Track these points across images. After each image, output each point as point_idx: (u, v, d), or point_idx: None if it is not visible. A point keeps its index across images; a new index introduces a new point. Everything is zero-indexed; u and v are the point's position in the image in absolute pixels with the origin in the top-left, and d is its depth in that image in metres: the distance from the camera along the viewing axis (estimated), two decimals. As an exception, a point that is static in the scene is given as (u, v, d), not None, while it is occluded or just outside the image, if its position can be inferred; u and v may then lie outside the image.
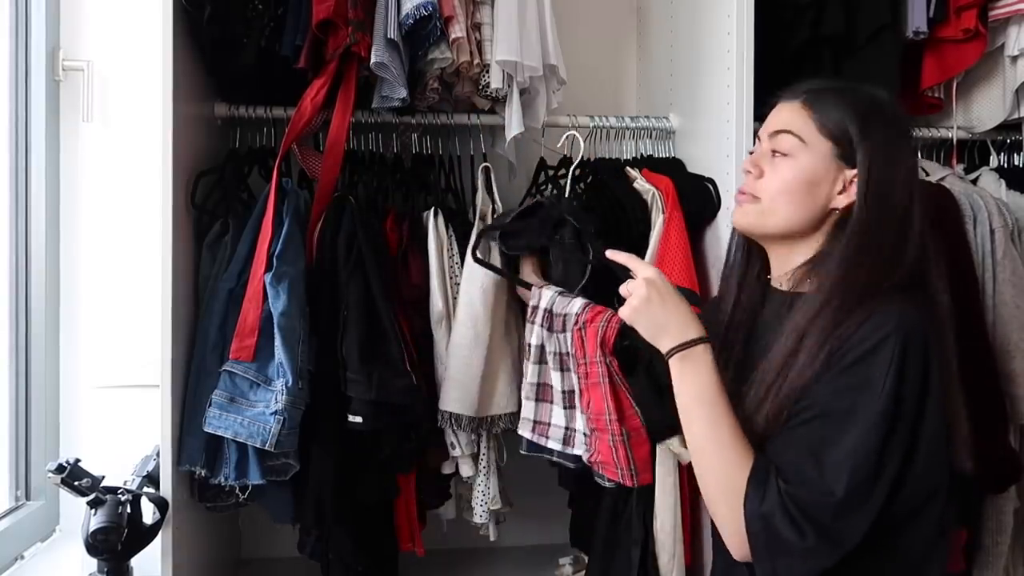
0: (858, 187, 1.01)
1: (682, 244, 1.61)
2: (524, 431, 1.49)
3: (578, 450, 1.41)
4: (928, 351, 0.94)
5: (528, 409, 1.49)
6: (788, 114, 1.07)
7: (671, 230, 1.62)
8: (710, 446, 0.98)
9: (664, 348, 1.02)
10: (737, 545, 0.95)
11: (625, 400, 1.34)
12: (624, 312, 1.05)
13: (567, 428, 1.43)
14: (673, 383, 1.02)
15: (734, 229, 1.15)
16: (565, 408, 1.43)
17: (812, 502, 0.91)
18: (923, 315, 0.96)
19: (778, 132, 1.06)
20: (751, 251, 1.14)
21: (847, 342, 0.94)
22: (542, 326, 1.44)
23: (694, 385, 1.00)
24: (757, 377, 1.02)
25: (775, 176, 1.05)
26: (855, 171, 1.02)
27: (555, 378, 1.44)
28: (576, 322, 1.38)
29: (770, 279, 1.12)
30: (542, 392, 1.48)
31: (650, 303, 1.03)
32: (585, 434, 1.39)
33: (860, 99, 1.04)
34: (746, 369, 1.07)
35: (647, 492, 1.53)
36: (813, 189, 1.03)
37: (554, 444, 1.45)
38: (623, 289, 1.07)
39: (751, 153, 1.12)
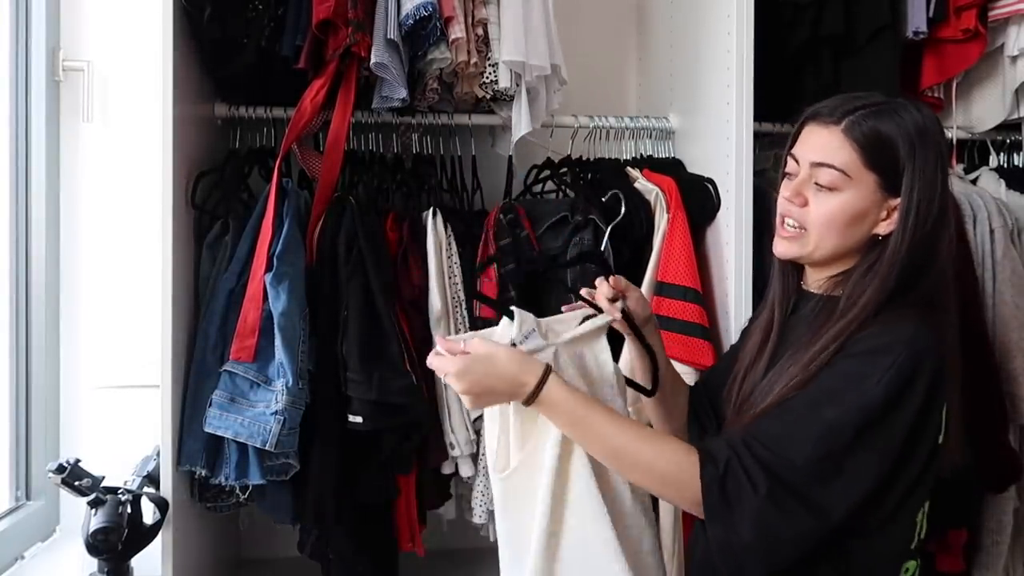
0: (900, 216, 1.00)
1: (686, 244, 1.61)
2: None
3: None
4: (940, 377, 0.94)
5: None
6: (830, 144, 1.01)
7: (675, 230, 1.62)
8: (620, 448, 0.97)
9: (522, 403, 0.99)
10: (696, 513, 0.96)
11: None
12: (468, 405, 1.01)
13: None
14: (549, 418, 1.00)
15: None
16: None
17: (769, 460, 0.91)
18: (938, 336, 0.97)
19: (820, 165, 1.01)
20: (786, 263, 1.13)
21: (856, 343, 0.96)
22: None
23: (565, 414, 0.98)
24: (773, 374, 1.03)
25: (819, 209, 1.02)
26: (899, 199, 1.00)
27: None
28: None
29: (802, 284, 1.13)
30: None
31: (481, 391, 0.98)
32: None
33: (907, 124, 1.00)
34: (770, 368, 1.08)
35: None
36: (858, 221, 1.02)
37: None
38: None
39: (787, 175, 1.07)
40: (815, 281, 1.10)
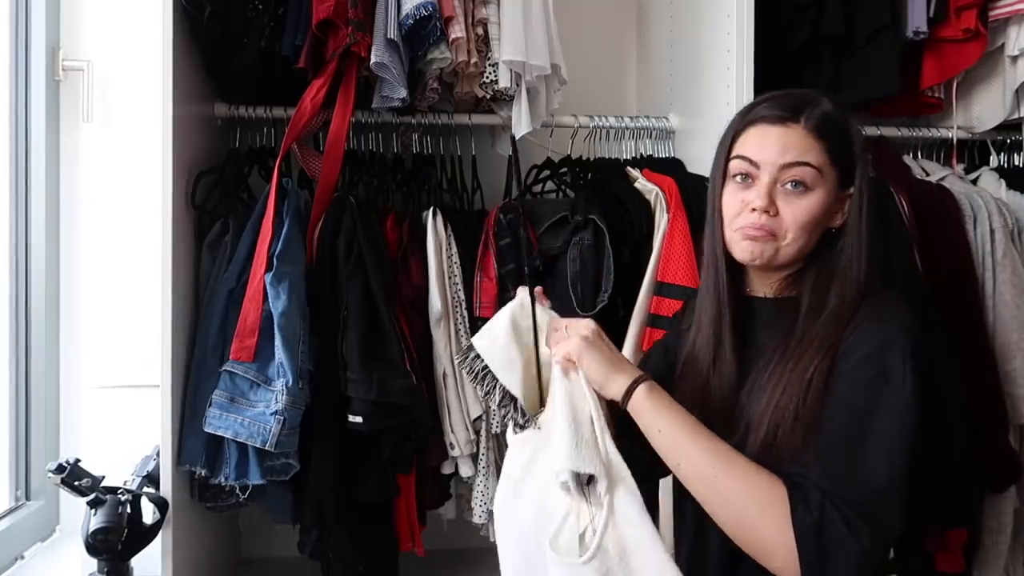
0: (854, 206, 1.00)
1: (686, 244, 1.61)
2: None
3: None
4: (930, 348, 0.95)
5: None
6: (798, 142, 0.99)
7: (675, 230, 1.62)
8: (722, 470, 0.90)
9: (624, 384, 0.96)
10: (785, 563, 0.87)
11: None
12: (572, 346, 0.97)
13: None
14: (645, 419, 0.95)
15: (716, 252, 1.08)
16: None
17: (858, 499, 0.86)
18: (915, 315, 0.98)
19: (796, 164, 0.98)
20: (731, 267, 1.08)
21: (855, 343, 0.94)
22: None
23: (674, 413, 0.95)
24: (767, 385, 1.00)
25: (792, 212, 0.99)
26: (850, 190, 1.01)
27: None
28: None
29: (748, 291, 1.10)
30: None
31: (598, 341, 0.98)
32: None
33: (849, 118, 1.01)
34: (740, 380, 1.05)
35: (647, 492, 1.53)
36: (825, 217, 1.01)
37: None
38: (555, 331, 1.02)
39: (738, 176, 1.03)
40: (768, 284, 1.07)
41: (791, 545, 0.85)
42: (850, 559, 0.84)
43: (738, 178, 1.03)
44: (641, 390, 0.95)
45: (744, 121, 1.04)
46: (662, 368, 1.21)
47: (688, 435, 0.93)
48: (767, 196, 0.99)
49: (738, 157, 1.03)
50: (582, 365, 0.97)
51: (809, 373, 0.95)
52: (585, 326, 0.99)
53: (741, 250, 1.03)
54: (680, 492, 1.05)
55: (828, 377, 0.94)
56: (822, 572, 0.85)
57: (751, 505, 0.88)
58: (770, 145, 1.00)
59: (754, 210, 1.00)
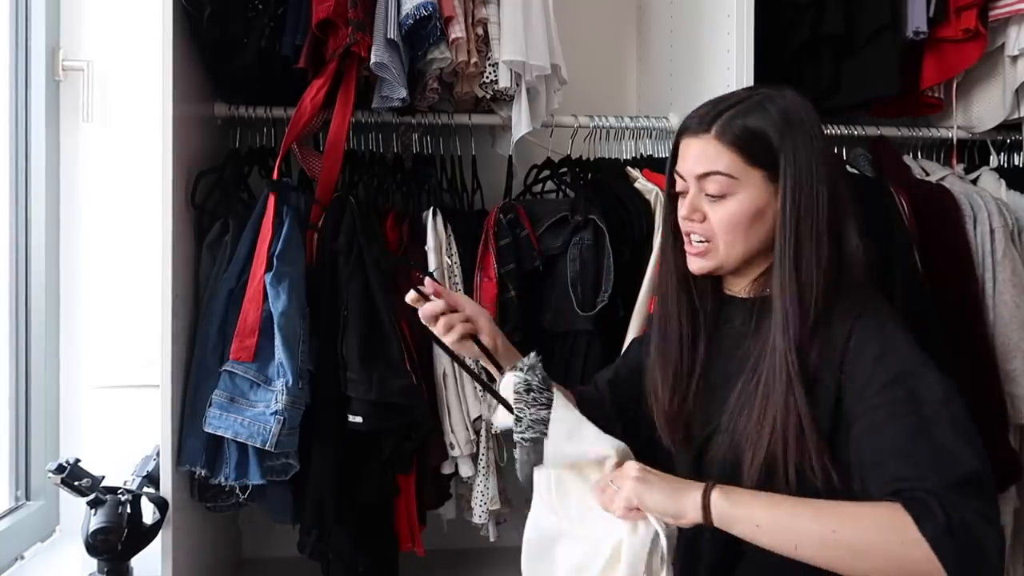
0: (779, 203, 0.99)
1: (686, 244, 1.61)
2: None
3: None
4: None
5: None
6: (707, 152, 1.01)
7: (674, 230, 1.62)
8: (839, 525, 0.84)
9: (698, 499, 0.89)
10: None
11: None
12: (628, 492, 0.90)
13: None
14: (740, 520, 0.88)
15: (670, 259, 1.11)
16: None
17: (965, 485, 0.83)
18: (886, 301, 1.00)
19: (706, 175, 1.01)
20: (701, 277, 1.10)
21: (856, 357, 0.94)
22: None
23: (762, 501, 0.89)
24: (756, 392, 0.99)
25: (717, 218, 1.02)
26: None
27: None
28: None
29: (726, 291, 1.11)
30: None
31: (650, 476, 0.92)
32: None
33: (773, 114, 1.00)
34: (724, 383, 1.05)
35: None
36: (760, 217, 1.01)
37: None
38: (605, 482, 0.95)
39: (678, 194, 1.07)
40: (741, 287, 1.08)
41: (935, 558, 0.80)
42: (988, 546, 0.81)
43: (680, 195, 1.07)
44: (716, 495, 0.88)
45: (678, 135, 1.08)
46: (640, 366, 1.22)
47: (788, 514, 0.87)
48: (690, 204, 1.04)
49: (675, 174, 1.08)
50: (646, 505, 0.90)
51: (795, 380, 0.95)
52: (630, 468, 0.92)
53: (689, 264, 1.08)
54: None
55: (815, 384, 0.94)
56: (970, 570, 0.81)
57: (889, 543, 0.82)
58: (689, 158, 1.04)
59: (684, 218, 1.05)
